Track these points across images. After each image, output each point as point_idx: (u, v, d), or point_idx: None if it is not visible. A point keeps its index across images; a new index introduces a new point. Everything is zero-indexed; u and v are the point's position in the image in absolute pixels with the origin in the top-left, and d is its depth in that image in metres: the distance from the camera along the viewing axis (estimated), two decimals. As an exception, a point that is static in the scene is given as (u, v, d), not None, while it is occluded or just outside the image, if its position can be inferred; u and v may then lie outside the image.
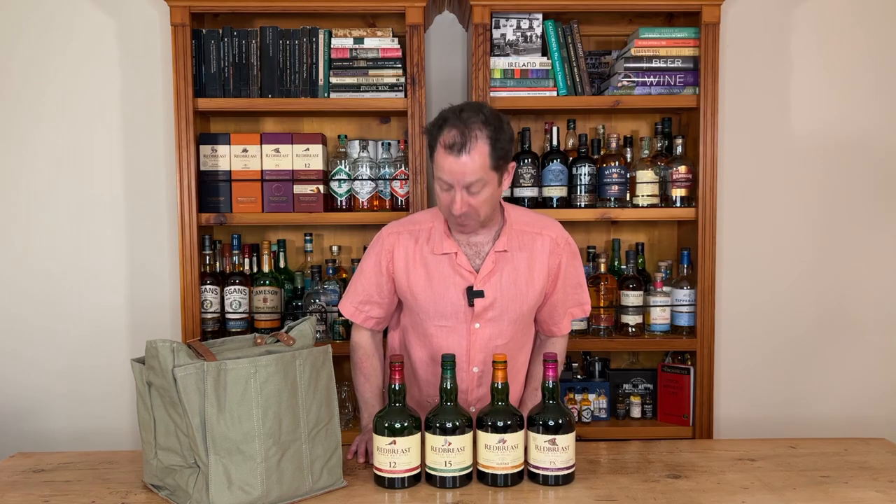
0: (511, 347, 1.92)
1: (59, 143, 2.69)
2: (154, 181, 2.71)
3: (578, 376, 2.69)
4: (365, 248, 2.61)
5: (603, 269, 2.58)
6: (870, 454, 1.88)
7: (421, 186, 2.45)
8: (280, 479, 1.57)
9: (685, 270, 2.57)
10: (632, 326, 2.56)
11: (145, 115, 2.69)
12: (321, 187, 2.52)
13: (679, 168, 2.51)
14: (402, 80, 2.47)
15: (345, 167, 2.55)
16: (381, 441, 1.64)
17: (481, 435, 1.65)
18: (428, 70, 2.67)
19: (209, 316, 2.52)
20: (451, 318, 1.88)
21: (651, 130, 2.72)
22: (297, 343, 1.65)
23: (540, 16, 2.49)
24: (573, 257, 1.96)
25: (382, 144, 2.61)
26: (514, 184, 2.51)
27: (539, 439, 1.65)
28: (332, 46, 2.48)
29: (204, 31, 2.46)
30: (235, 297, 2.52)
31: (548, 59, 2.48)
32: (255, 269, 2.61)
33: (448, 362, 1.66)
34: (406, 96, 2.45)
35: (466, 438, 1.64)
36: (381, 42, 2.48)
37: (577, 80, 2.48)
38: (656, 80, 2.47)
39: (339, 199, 2.56)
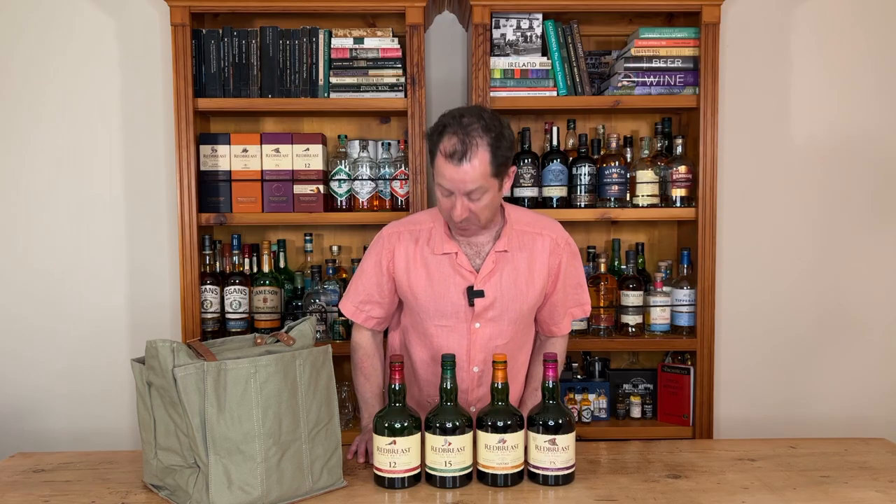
0: (511, 347, 1.92)
1: (59, 143, 2.69)
2: (154, 181, 2.71)
3: (578, 376, 2.69)
4: (365, 248, 2.61)
5: (603, 269, 2.58)
6: (870, 454, 1.88)
7: (421, 186, 2.45)
8: (280, 479, 1.57)
9: (685, 270, 2.57)
10: (632, 326, 2.56)
11: (145, 115, 2.69)
12: (321, 187, 2.52)
13: (679, 168, 2.51)
14: (402, 80, 2.47)
15: (345, 167, 2.55)
16: (381, 441, 1.64)
17: (481, 435, 1.65)
18: (428, 70, 2.67)
19: (209, 316, 2.52)
20: (451, 317, 1.88)
21: (651, 130, 2.72)
22: (297, 343, 1.65)
23: (540, 16, 2.49)
24: (573, 257, 1.96)
25: (382, 144, 2.61)
26: (515, 184, 2.51)
27: (539, 439, 1.65)
28: (332, 46, 2.48)
29: (204, 31, 2.46)
30: (235, 297, 2.52)
31: (548, 59, 2.48)
32: (255, 269, 2.61)
33: (448, 362, 1.66)
34: (406, 96, 2.45)
35: (466, 438, 1.65)
36: (381, 42, 2.48)
37: (577, 80, 2.48)
38: (656, 80, 2.47)
39: (339, 199, 2.56)
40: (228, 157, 2.50)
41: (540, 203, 2.54)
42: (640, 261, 2.69)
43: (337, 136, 2.64)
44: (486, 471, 1.65)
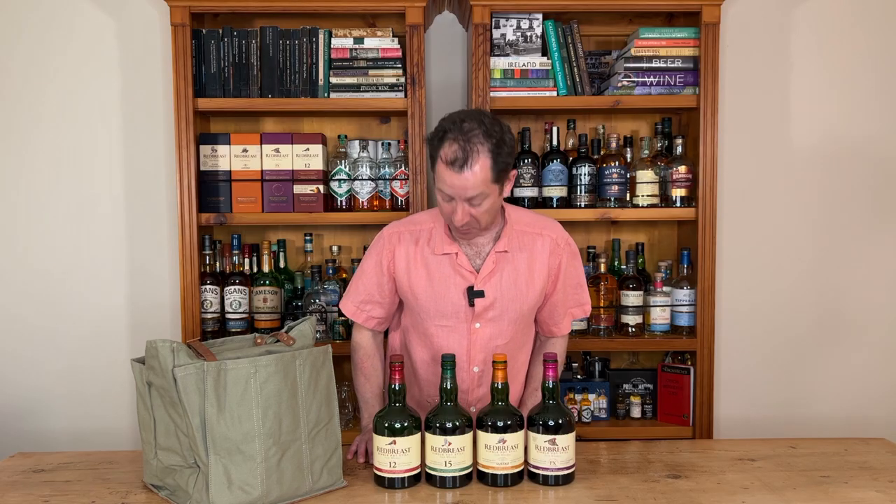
0: (511, 347, 1.92)
1: (59, 143, 2.69)
2: (154, 181, 2.71)
3: (578, 376, 2.69)
4: (365, 248, 2.61)
5: (603, 269, 2.58)
6: (870, 454, 1.88)
7: (421, 186, 2.45)
8: (280, 479, 1.57)
9: (685, 270, 2.57)
10: (632, 326, 2.56)
11: (145, 115, 2.69)
12: (321, 187, 2.52)
13: (679, 168, 2.51)
14: (402, 80, 2.47)
15: (345, 167, 2.55)
16: (381, 441, 1.64)
17: (481, 435, 1.66)
18: (428, 70, 2.67)
19: (209, 316, 2.52)
20: (451, 317, 1.89)
21: (651, 130, 2.72)
22: (297, 343, 1.65)
23: (540, 16, 2.49)
24: (573, 257, 1.96)
25: (382, 144, 2.61)
26: (514, 184, 2.49)
27: (539, 439, 1.65)
28: (332, 46, 2.48)
29: (204, 31, 2.46)
30: (235, 297, 2.52)
31: (548, 59, 2.48)
32: (255, 269, 2.61)
33: (448, 362, 1.66)
34: (406, 96, 2.45)
35: (466, 438, 1.65)
36: (381, 42, 2.48)
37: (577, 80, 2.48)
38: (656, 80, 2.47)
39: (339, 199, 2.56)
40: (228, 157, 2.50)
41: (540, 203, 2.54)
42: (640, 261, 2.69)
43: (337, 136, 2.64)
44: (486, 471, 1.65)
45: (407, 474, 1.65)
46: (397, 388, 1.66)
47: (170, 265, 2.71)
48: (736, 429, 2.80)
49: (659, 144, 2.62)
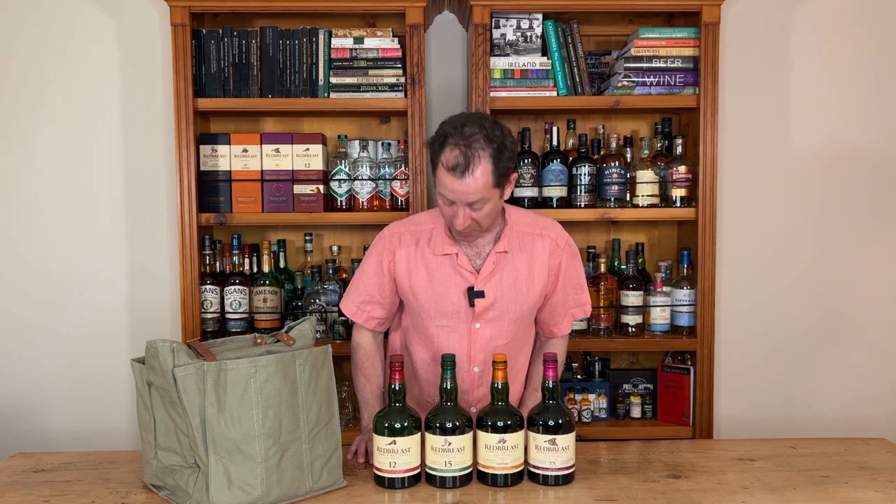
0: (512, 347, 1.92)
1: (59, 143, 2.69)
2: (154, 181, 2.71)
3: (578, 376, 2.68)
4: (365, 248, 2.62)
5: (603, 269, 2.58)
6: (870, 454, 1.88)
7: (421, 186, 2.45)
8: (280, 479, 1.57)
9: (685, 270, 2.57)
10: (632, 326, 2.56)
11: (145, 115, 2.69)
12: (321, 187, 2.52)
13: (679, 168, 2.51)
14: (402, 80, 2.47)
15: (345, 167, 2.55)
16: (381, 441, 1.64)
17: (481, 435, 1.66)
18: (428, 70, 2.67)
19: (209, 316, 2.52)
20: (452, 318, 1.89)
21: (651, 130, 2.72)
22: (297, 343, 1.65)
23: (540, 16, 2.49)
24: (573, 258, 1.97)
25: (382, 144, 2.61)
26: (514, 184, 2.50)
27: (539, 439, 1.65)
28: (332, 46, 2.48)
29: (204, 31, 2.46)
30: (235, 297, 2.52)
31: (548, 59, 2.48)
32: (255, 269, 2.61)
33: (448, 362, 1.66)
34: (406, 96, 2.45)
35: (466, 438, 1.65)
36: (381, 42, 2.48)
37: (577, 80, 2.48)
38: (656, 80, 2.47)
39: (339, 199, 2.56)
40: (228, 157, 2.50)
41: (540, 203, 2.54)
42: (640, 261, 2.69)
43: (337, 136, 2.64)
44: (486, 471, 1.65)
45: (407, 474, 1.65)
46: (397, 388, 1.66)
47: (170, 265, 2.71)
48: (736, 429, 2.80)
49: (659, 144, 2.62)
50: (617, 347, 2.60)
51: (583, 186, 2.52)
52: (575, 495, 1.62)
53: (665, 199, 2.55)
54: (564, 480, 1.66)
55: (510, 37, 2.49)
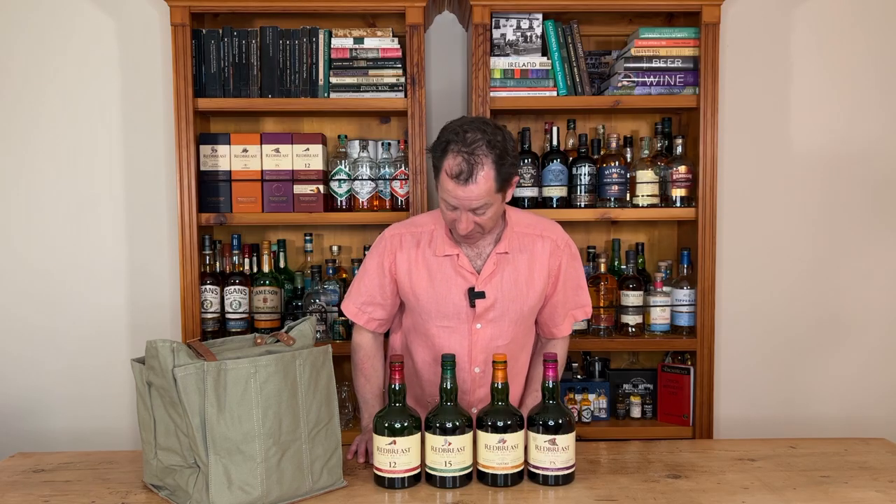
0: (512, 348, 1.92)
1: (59, 143, 2.69)
2: (154, 181, 2.71)
3: (578, 376, 2.68)
4: (365, 248, 2.62)
5: (603, 269, 2.58)
6: (870, 454, 1.88)
7: (421, 186, 2.45)
8: (280, 479, 1.57)
9: (685, 270, 2.57)
10: (632, 326, 2.56)
11: (145, 115, 2.69)
12: (321, 187, 2.52)
13: (679, 168, 2.51)
14: (402, 80, 2.47)
15: (345, 167, 2.55)
16: (381, 441, 1.64)
17: (481, 435, 1.66)
18: (428, 70, 2.67)
19: (209, 316, 2.52)
20: (452, 318, 1.89)
21: (651, 130, 2.72)
22: (297, 343, 1.65)
23: (540, 16, 2.49)
24: (573, 259, 1.97)
25: (382, 144, 2.61)
26: (514, 184, 2.51)
27: (539, 439, 1.65)
28: (332, 46, 2.48)
29: (204, 31, 2.45)
30: (235, 297, 2.52)
31: (548, 59, 2.48)
32: (255, 269, 2.61)
33: (448, 362, 1.66)
34: (406, 96, 2.45)
35: (466, 438, 1.65)
36: (381, 42, 2.48)
37: (577, 80, 2.48)
38: (656, 80, 2.47)
39: (339, 199, 2.56)
40: (228, 157, 2.50)
41: (540, 203, 2.54)
42: (640, 261, 2.69)
43: (337, 136, 2.64)
44: (486, 471, 1.65)
45: (407, 474, 1.65)
46: (397, 388, 1.66)
47: (170, 265, 2.71)
48: (736, 429, 2.80)
49: (659, 144, 2.62)
50: (617, 347, 2.59)
51: (583, 186, 2.52)
52: (575, 495, 1.62)
53: (665, 199, 2.55)
54: (564, 480, 1.66)
55: (510, 37, 2.49)
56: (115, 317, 2.74)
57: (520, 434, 1.65)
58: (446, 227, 1.89)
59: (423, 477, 1.68)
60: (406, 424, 1.64)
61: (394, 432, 1.63)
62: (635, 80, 2.46)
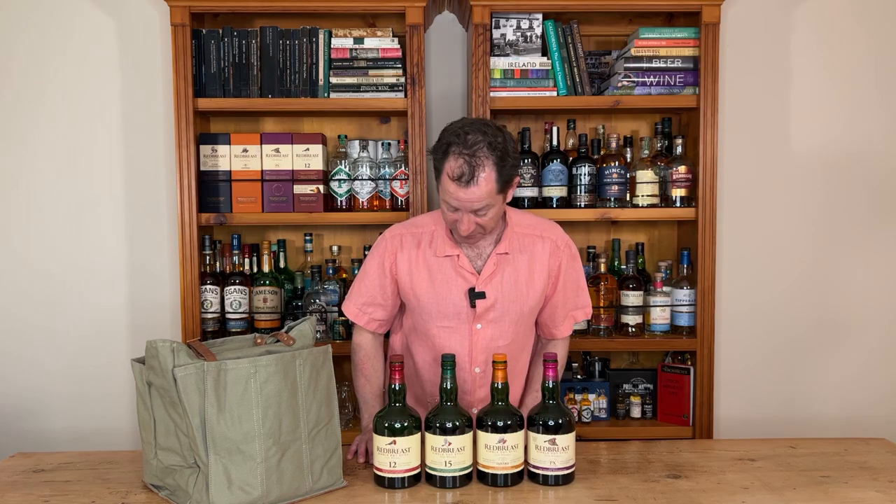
0: (513, 348, 1.93)
1: (59, 143, 2.69)
2: (154, 181, 2.71)
3: (578, 376, 2.68)
4: (365, 249, 2.62)
5: (603, 269, 2.58)
6: (870, 454, 1.88)
7: (421, 186, 2.45)
8: (280, 479, 1.57)
9: (685, 270, 2.57)
10: (632, 326, 2.56)
11: (145, 115, 2.69)
12: (321, 187, 2.52)
13: (679, 168, 2.51)
14: (402, 80, 2.47)
15: (345, 167, 2.55)
16: (381, 441, 1.64)
17: (481, 435, 1.66)
18: (428, 70, 2.67)
19: (209, 316, 2.52)
20: (453, 318, 1.89)
21: (651, 130, 2.72)
22: (297, 343, 1.65)
23: (540, 16, 2.49)
24: (573, 260, 1.97)
25: (382, 144, 2.61)
26: (514, 184, 2.51)
27: (539, 439, 1.65)
28: (332, 46, 2.48)
29: (204, 31, 2.45)
30: (235, 297, 2.52)
31: (548, 59, 2.48)
32: (255, 269, 2.61)
33: (448, 362, 1.66)
34: (406, 96, 2.45)
35: (466, 438, 1.65)
36: (381, 42, 2.48)
37: (577, 80, 2.48)
38: (656, 80, 2.47)
39: (339, 199, 2.56)
40: (228, 157, 2.50)
41: (540, 203, 2.54)
42: (640, 261, 2.69)
43: (337, 136, 2.64)
44: (486, 471, 1.65)
45: (407, 474, 1.65)
46: (397, 388, 1.66)
47: (170, 265, 2.71)
48: (736, 429, 2.80)
49: (659, 144, 2.62)
50: (617, 347, 2.59)
51: (583, 186, 2.52)
52: (575, 495, 1.62)
53: (665, 199, 2.55)
54: (564, 480, 1.66)
55: (510, 37, 2.49)
56: (115, 317, 2.74)
57: (520, 434, 1.65)
58: (447, 228, 1.90)
59: (423, 477, 1.68)
60: (406, 424, 1.64)
61: (394, 432, 1.63)
62: (635, 80, 2.46)
